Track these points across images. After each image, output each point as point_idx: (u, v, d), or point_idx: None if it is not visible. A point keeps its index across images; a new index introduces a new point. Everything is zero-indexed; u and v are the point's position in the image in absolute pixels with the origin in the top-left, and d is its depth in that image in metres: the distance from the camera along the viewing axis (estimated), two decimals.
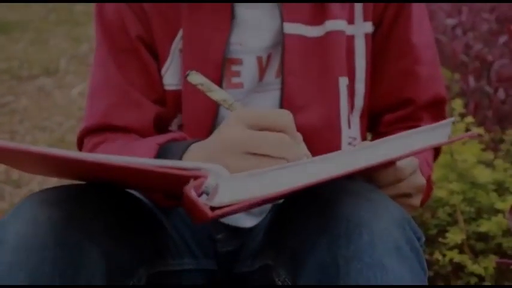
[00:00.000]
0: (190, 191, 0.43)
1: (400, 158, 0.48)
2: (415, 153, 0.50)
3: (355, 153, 0.50)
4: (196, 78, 0.59)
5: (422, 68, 0.84)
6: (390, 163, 0.59)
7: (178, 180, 0.44)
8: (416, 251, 0.52)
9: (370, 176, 0.61)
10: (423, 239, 0.57)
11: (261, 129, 0.56)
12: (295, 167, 0.48)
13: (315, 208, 0.54)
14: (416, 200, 0.67)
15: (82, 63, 2.61)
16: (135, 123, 0.78)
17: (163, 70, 0.79)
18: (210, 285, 0.86)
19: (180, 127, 0.83)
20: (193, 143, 0.65)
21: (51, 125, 1.90)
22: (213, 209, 0.44)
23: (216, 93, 0.59)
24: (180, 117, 0.82)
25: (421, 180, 0.65)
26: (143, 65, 0.79)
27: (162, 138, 0.72)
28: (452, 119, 0.55)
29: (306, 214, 0.55)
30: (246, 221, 0.88)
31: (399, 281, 0.47)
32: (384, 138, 0.52)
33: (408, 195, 0.65)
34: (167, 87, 0.79)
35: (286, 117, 0.57)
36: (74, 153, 0.41)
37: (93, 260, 0.54)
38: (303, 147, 0.59)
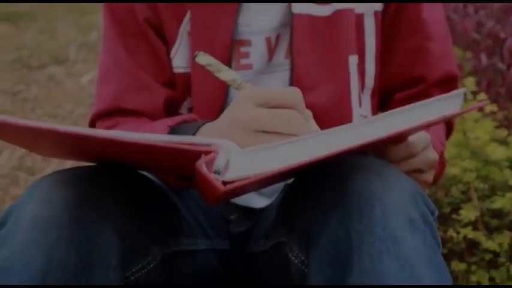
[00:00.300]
0: (202, 166, 0.43)
1: (412, 129, 0.48)
2: (427, 125, 0.50)
3: (366, 126, 0.50)
4: (205, 59, 0.59)
5: (434, 45, 0.83)
6: (402, 138, 0.59)
7: (190, 156, 0.44)
8: (429, 224, 0.52)
9: (381, 151, 0.60)
10: (436, 213, 0.56)
11: (271, 107, 0.56)
12: (306, 140, 0.48)
13: (326, 184, 0.54)
14: (429, 176, 0.66)
15: (91, 51, 2.62)
16: (146, 106, 0.78)
17: (172, 53, 0.79)
18: (223, 265, 0.87)
19: (190, 110, 0.83)
20: (203, 123, 0.65)
21: (63, 113, 1.92)
22: (225, 184, 0.44)
23: (225, 74, 0.59)
24: (190, 100, 0.82)
25: (433, 155, 0.65)
26: (152, 49, 0.79)
27: (172, 120, 0.72)
28: (464, 89, 0.54)
29: (317, 190, 0.55)
30: (258, 201, 0.88)
31: (412, 253, 0.47)
32: (395, 110, 0.51)
33: (421, 171, 0.64)
34: (176, 70, 0.79)
35: (295, 95, 0.57)
36: (85, 130, 0.41)
37: (108, 238, 0.55)
38: (313, 124, 0.59)
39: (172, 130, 0.69)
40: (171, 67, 0.79)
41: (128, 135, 0.43)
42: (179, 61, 0.79)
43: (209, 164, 0.44)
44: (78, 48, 2.70)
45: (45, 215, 0.52)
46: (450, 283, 0.50)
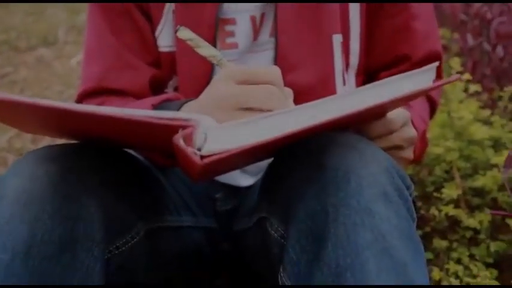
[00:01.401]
0: (179, 140, 0.44)
1: (387, 103, 0.49)
2: (401, 100, 0.51)
3: (342, 99, 0.50)
4: (186, 33, 0.60)
5: (418, 24, 0.84)
6: (380, 115, 0.60)
7: (167, 131, 0.45)
8: (404, 198, 0.53)
9: (360, 128, 0.61)
10: (412, 188, 0.58)
11: (250, 84, 0.57)
12: (282, 114, 0.49)
13: (304, 160, 0.55)
14: (408, 153, 0.67)
15: (80, 33, 2.60)
16: (131, 85, 0.78)
17: (157, 32, 0.79)
18: (210, 243, 0.88)
19: (176, 89, 0.83)
20: (186, 102, 0.66)
21: (52, 95, 1.91)
22: (202, 158, 0.44)
23: (205, 49, 0.60)
24: (175, 79, 0.83)
25: (412, 132, 0.66)
26: (137, 28, 0.79)
27: (156, 99, 0.73)
28: (436, 63, 0.55)
29: (296, 166, 0.56)
30: (244, 180, 0.89)
31: (386, 225, 0.49)
32: (370, 84, 0.52)
33: (400, 148, 0.65)
34: (161, 49, 0.80)
35: (274, 72, 0.58)
36: (65, 104, 0.42)
37: (91, 213, 0.56)
38: (291, 103, 0.60)
39: (155, 108, 0.69)
40: (156, 46, 0.80)
41: (107, 109, 0.43)
42: (164, 40, 0.79)
43: (187, 138, 0.45)
44: (67, 30, 2.67)
45: (28, 190, 0.52)
46: (423, 255, 0.52)
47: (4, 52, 2.41)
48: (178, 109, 0.65)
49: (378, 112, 0.57)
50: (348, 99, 0.50)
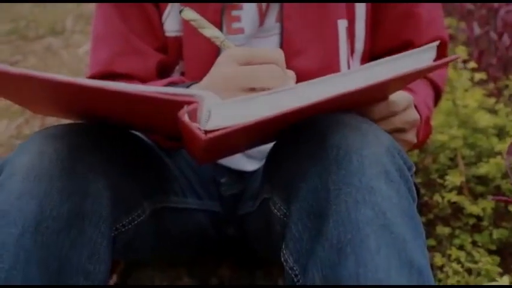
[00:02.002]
0: (184, 115, 0.44)
1: (388, 81, 0.49)
2: (402, 78, 0.51)
3: (344, 76, 0.51)
4: (189, 14, 0.61)
5: (423, 10, 0.84)
6: (383, 96, 0.61)
7: (173, 107, 0.46)
8: (405, 178, 0.54)
9: (363, 110, 0.62)
10: (414, 169, 0.58)
11: (253, 65, 0.57)
12: (285, 91, 0.50)
13: (307, 139, 0.56)
14: (411, 136, 0.68)
15: (87, 23, 2.61)
16: (138, 70, 0.79)
17: (163, 17, 0.80)
18: (214, 226, 0.89)
19: (183, 74, 0.84)
20: (190, 84, 0.67)
21: None
22: (206, 134, 0.45)
23: (209, 30, 0.60)
24: (182, 64, 0.84)
25: (415, 115, 0.66)
26: (144, 13, 0.80)
27: (161, 82, 0.74)
28: (437, 42, 0.55)
29: (298, 146, 0.57)
30: (249, 164, 0.90)
31: (386, 203, 0.49)
32: (372, 62, 0.53)
33: (403, 130, 0.66)
34: (168, 34, 0.80)
35: (277, 54, 0.58)
36: (74, 79, 0.43)
37: (99, 190, 0.57)
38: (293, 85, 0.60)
39: None
40: (163, 31, 0.80)
41: (116, 84, 0.44)
42: (171, 25, 0.80)
43: (192, 114, 0.46)
44: (75, 19, 2.69)
45: (37, 166, 0.54)
46: (423, 234, 0.52)
47: (13, 41, 2.43)
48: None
49: (380, 93, 0.58)
50: (350, 77, 0.51)
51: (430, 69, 0.54)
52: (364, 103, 0.60)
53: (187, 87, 0.66)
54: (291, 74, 0.62)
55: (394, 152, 0.54)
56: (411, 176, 0.57)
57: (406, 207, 0.51)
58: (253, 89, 0.56)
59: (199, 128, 0.45)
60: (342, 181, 0.51)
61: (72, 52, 2.28)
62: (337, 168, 0.51)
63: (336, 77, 0.51)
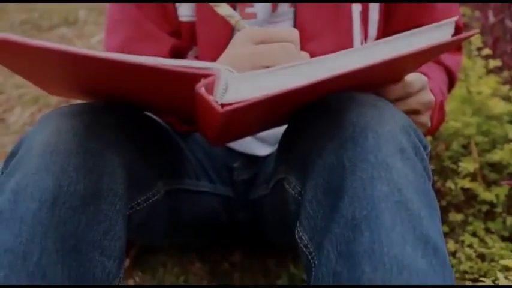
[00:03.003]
0: (201, 88, 0.45)
1: (404, 57, 0.49)
2: (419, 54, 0.51)
3: (359, 51, 0.51)
4: None
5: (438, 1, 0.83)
6: (398, 76, 0.60)
7: (190, 80, 0.46)
8: (420, 156, 0.54)
9: (378, 90, 0.62)
10: (429, 148, 0.58)
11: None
12: (303, 65, 0.50)
13: (322, 117, 0.56)
14: (425, 118, 0.68)
15: (100, 14, 2.62)
16: (152, 55, 0.79)
17: (177, 1, 0.80)
18: (226, 210, 0.90)
19: (196, 59, 0.84)
20: None
21: None
22: (223, 107, 0.45)
23: (223, 8, 0.60)
24: (195, 49, 0.84)
25: (430, 97, 0.66)
26: None
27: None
28: (455, 18, 0.55)
29: (314, 124, 0.57)
30: (261, 149, 0.91)
31: (402, 179, 0.49)
32: (388, 38, 0.53)
33: (417, 112, 0.66)
34: (182, 19, 0.80)
35: (291, 33, 0.58)
36: (92, 51, 0.43)
37: (114, 167, 0.57)
38: None
39: None
40: (176, 16, 0.81)
41: (132, 57, 0.44)
42: (185, 10, 0.80)
43: (208, 87, 0.46)
44: (87, 10, 2.70)
45: (53, 143, 0.54)
46: (438, 211, 0.52)
47: (27, 31, 2.44)
48: None
49: (395, 71, 0.57)
50: (368, 51, 0.50)
51: (447, 45, 0.53)
52: (379, 83, 0.60)
53: None
54: (305, 54, 0.62)
55: (410, 130, 0.54)
56: (426, 155, 0.57)
57: (422, 185, 0.51)
58: (267, 68, 0.56)
59: (216, 101, 0.45)
60: (358, 158, 0.51)
61: (85, 42, 2.29)
62: (353, 145, 0.51)
63: (354, 51, 0.51)
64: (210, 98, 0.44)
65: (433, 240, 0.48)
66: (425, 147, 0.56)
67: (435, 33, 0.52)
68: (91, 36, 2.35)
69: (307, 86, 0.47)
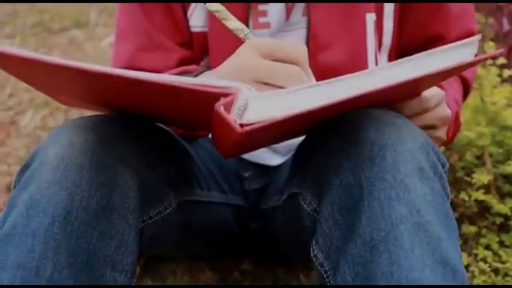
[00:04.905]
0: (220, 107, 0.44)
1: (425, 77, 0.48)
2: (440, 74, 0.50)
3: (379, 72, 0.50)
4: (214, 5, 0.60)
5: (452, 3, 0.82)
6: (416, 92, 0.59)
7: (208, 98, 0.45)
8: (439, 175, 0.53)
9: (395, 106, 0.61)
10: (447, 166, 0.57)
11: (274, 59, 0.56)
12: (323, 85, 0.49)
13: (339, 134, 0.55)
14: (441, 133, 0.67)
15: (110, 16, 2.62)
16: (161, 66, 0.79)
17: (189, 12, 0.79)
18: (237, 220, 0.89)
19: (208, 69, 0.84)
20: (203, 71, 0.66)
21: None
22: (242, 127, 0.45)
23: (232, 22, 0.59)
24: (207, 60, 0.83)
25: (447, 111, 0.65)
26: (168, 9, 0.79)
27: (175, 70, 0.73)
28: (478, 36, 0.54)
29: (330, 141, 0.56)
30: (273, 159, 0.90)
31: (421, 200, 0.49)
32: (407, 57, 0.51)
33: (433, 127, 0.65)
34: (193, 29, 0.80)
35: (300, 49, 0.56)
36: (105, 68, 0.42)
37: (126, 181, 0.57)
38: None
39: None
40: (187, 27, 0.80)
41: (149, 75, 0.44)
42: (196, 20, 0.79)
43: (227, 106, 0.45)
44: (98, 12, 2.71)
45: (66, 157, 0.54)
46: (456, 231, 0.51)
47: (38, 34, 2.45)
48: (195, 77, 0.64)
49: (414, 89, 0.56)
50: (386, 71, 0.49)
51: (471, 64, 0.52)
52: (397, 98, 0.59)
53: (202, 72, 0.65)
54: (310, 73, 0.60)
55: (429, 148, 0.53)
56: (445, 172, 0.56)
57: (441, 205, 0.50)
58: (268, 84, 0.55)
59: (235, 121, 0.45)
60: (376, 177, 0.50)
61: (96, 44, 2.30)
62: (371, 164, 0.51)
63: (376, 70, 0.50)
64: (230, 118, 0.44)
65: (452, 262, 0.47)
66: (443, 165, 0.56)
67: (459, 51, 0.51)
68: (101, 39, 2.36)
69: (327, 106, 0.46)
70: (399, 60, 0.51)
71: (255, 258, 1.06)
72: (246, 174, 0.91)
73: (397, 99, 0.59)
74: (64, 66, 0.41)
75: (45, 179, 0.53)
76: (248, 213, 0.90)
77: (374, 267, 0.46)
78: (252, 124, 0.44)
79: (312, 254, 0.56)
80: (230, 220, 0.88)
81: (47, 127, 1.65)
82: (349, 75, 0.50)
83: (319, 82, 0.49)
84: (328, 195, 0.54)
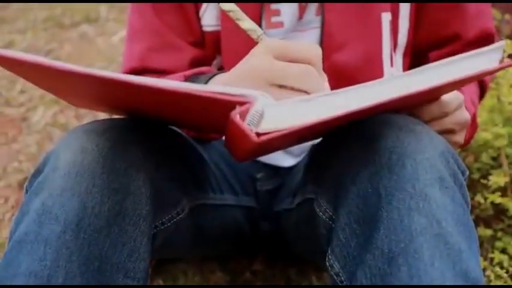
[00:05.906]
0: (236, 116, 0.43)
1: (448, 85, 0.47)
2: (463, 81, 0.48)
3: (401, 79, 0.48)
4: (228, 5, 0.59)
5: (469, 3, 0.80)
6: (435, 97, 0.58)
7: (224, 106, 0.44)
8: (459, 183, 0.52)
9: (414, 110, 0.60)
10: (467, 173, 0.56)
11: (288, 60, 0.54)
12: (341, 93, 0.47)
13: (357, 141, 0.54)
14: (460, 137, 0.65)
15: (122, 11, 2.62)
16: (173, 65, 0.78)
17: (201, 11, 0.78)
18: (250, 222, 0.88)
19: (221, 69, 0.83)
20: (217, 73, 0.65)
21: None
22: (258, 136, 0.43)
23: (245, 22, 0.58)
24: (219, 59, 0.82)
25: (466, 115, 0.64)
26: (180, 8, 0.78)
27: (189, 71, 0.72)
28: (503, 42, 0.52)
29: (348, 147, 0.55)
30: (286, 160, 0.89)
31: (441, 210, 0.47)
32: (430, 64, 0.50)
33: (452, 132, 0.63)
34: (206, 29, 0.79)
35: (314, 51, 0.55)
36: (120, 75, 0.41)
37: (139, 187, 0.56)
38: (327, 87, 0.57)
39: (188, 80, 0.68)
40: (199, 26, 0.79)
41: (164, 82, 0.43)
42: (209, 19, 0.78)
43: (243, 115, 0.44)
44: (109, 8, 2.70)
45: (78, 163, 0.53)
46: (477, 242, 0.50)
47: (49, 28, 2.46)
48: (209, 79, 0.63)
49: (434, 94, 0.55)
50: (408, 78, 0.48)
51: (494, 71, 0.50)
52: (417, 104, 0.57)
53: (215, 75, 0.64)
54: (324, 76, 0.59)
55: (449, 156, 0.52)
56: (465, 180, 0.54)
57: (461, 215, 0.49)
58: (283, 86, 0.54)
59: (251, 130, 0.43)
60: (394, 187, 0.48)
61: (107, 40, 2.29)
62: (389, 173, 0.49)
63: (395, 78, 0.49)
64: (246, 127, 0.42)
65: (473, 275, 0.46)
66: (463, 172, 0.54)
67: (483, 57, 0.49)
68: (112, 34, 2.35)
69: (346, 115, 0.44)
70: (422, 67, 0.49)
71: (267, 258, 1.05)
72: (258, 175, 0.90)
73: (416, 104, 0.57)
74: (75, 72, 0.41)
75: (57, 186, 0.52)
76: (260, 215, 0.89)
77: (393, 279, 0.45)
78: (268, 133, 0.43)
79: (327, 264, 0.55)
80: (242, 222, 0.87)
81: (58, 124, 1.65)
82: (367, 82, 0.49)
83: (337, 90, 0.48)
84: (345, 204, 0.53)
